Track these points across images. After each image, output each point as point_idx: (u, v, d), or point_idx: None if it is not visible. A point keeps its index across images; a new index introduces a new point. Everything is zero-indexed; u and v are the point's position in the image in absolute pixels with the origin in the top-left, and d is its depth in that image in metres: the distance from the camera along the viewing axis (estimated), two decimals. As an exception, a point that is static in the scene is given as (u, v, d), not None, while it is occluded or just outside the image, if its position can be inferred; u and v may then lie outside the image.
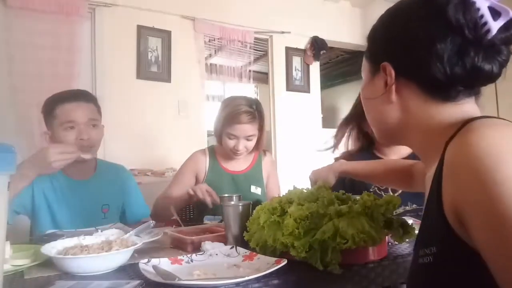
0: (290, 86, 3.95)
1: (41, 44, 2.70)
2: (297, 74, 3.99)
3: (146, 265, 0.86)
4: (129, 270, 0.91)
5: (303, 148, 3.89)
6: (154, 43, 3.19)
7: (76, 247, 0.95)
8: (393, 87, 0.67)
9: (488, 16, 0.59)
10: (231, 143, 1.68)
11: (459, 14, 0.59)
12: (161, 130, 3.16)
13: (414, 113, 0.67)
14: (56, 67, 2.73)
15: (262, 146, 1.82)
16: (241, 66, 4.07)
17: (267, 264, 0.86)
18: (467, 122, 0.59)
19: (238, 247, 0.98)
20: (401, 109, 0.68)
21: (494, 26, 0.59)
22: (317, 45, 3.93)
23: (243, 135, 1.67)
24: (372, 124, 0.77)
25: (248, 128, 1.66)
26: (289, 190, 1.06)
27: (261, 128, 1.74)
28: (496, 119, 0.58)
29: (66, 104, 1.47)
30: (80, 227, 1.38)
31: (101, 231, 1.11)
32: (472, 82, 0.64)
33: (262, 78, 5.02)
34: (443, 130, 0.62)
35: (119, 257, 0.92)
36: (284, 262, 0.84)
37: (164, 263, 0.89)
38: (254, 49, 3.86)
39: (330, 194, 0.96)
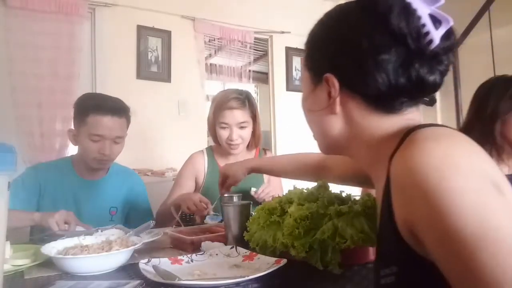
0: (290, 86, 3.95)
1: (41, 44, 2.69)
2: (297, 74, 3.99)
3: (146, 265, 0.86)
4: (129, 270, 0.91)
5: (303, 148, 3.88)
6: (154, 43, 3.19)
7: (76, 247, 0.95)
8: (338, 99, 0.64)
9: (430, 25, 0.57)
10: (224, 133, 1.67)
11: (402, 23, 0.58)
12: (161, 130, 3.16)
13: (358, 125, 0.65)
14: (56, 67, 2.73)
15: (259, 140, 1.79)
16: (241, 66, 4.06)
17: (267, 264, 0.86)
18: (408, 133, 0.57)
19: (238, 247, 0.98)
20: (345, 121, 0.66)
21: (436, 36, 0.57)
22: (317, 45, 3.93)
23: (235, 122, 1.65)
24: (315, 135, 0.75)
25: (239, 114, 1.65)
26: (289, 190, 1.06)
27: (254, 118, 1.72)
28: (437, 128, 0.56)
29: (100, 116, 1.45)
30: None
31: (101, 231, 1.11)
32: (417, 93, 0.63)
33: (262, 78, 5.01)
34: (386, 141, 0.61)
35: (119, 257, 0.92)
36: (284, 262, 0.84)
37: (164, 263, 0.89)
38: (254, 49, 3.86)
39: (330, 194, 0.96)
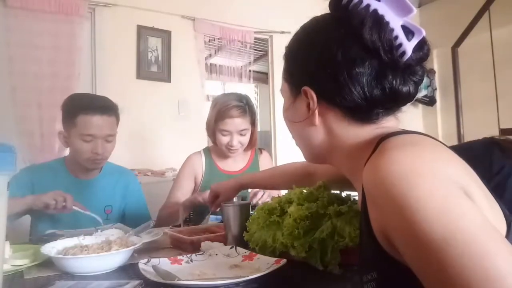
0: (290, 86, 3.95)
1: (41, 44, 2.69)
2: (297, 74, 3.98)
3: (146, 265, 0.86)
4: (129, 270, 0.91)
5: (303, 148, 3.89)
6: (154, 43, 3.19)
7: (76, 247, 0.95)
8: (316, 111, 0.66)
9: (402, 37, 0.59)
10: (224, 139, 1.69)
11: (375, 36, 0.59)
12: (161, 130, 3.16)
13: (337, 135, 0.67)
14: (56, 67, 2.73)
15: (255, 142, 1.83)
16: (241, 66, 4.07)
17: (267, 264, 0.86)
18: (381, 141, 0.58)
19: (238, 247, 0.98)
20: (325, 132, 0.68)
21: (409, 47, 0.59)
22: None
23: (236, 130, 1.68)
24: (298, 145, 0.77)
25: (240, 122, 1.67)
26: (289, 190, 1.06)
27: (253, 123, 1.75)
28: (406, 136, 0.58)
29: (89, 116, 1.45)
30: (83, 227, 1.38)
31: (101, 231, 1.11)
32: (391, 104, 0.64)
33: (262, 78, 5.02)
34: (362, 151, 0.62)
35: (119, 257, 0.92)
36: (284, 262, 0.84)
37: (164, 263, 0.89)
38: (254, 49, 3.86)
39: (330, 194, 0.96)
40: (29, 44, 2.65)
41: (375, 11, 0.60)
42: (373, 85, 0.61)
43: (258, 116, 1.83)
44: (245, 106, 1.69)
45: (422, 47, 0.61)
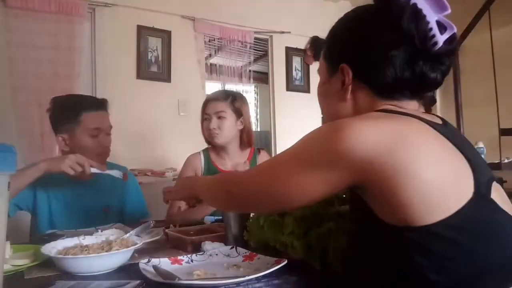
0: (290, 86, 3.95)
1: (41, 44, 2.69)
2: (297, 74, 3.99)
3: (146, 265, 0.86)
4: (129, 270, 0.91)
5: (303, 148, 3.88)
6: (154, 43, 3.19)
7: (76, 247, 0.95)
8: (349, 87, 0.74)
9: (436, 30, 0.66)
10: (206, 124, 1.75)
11: (412, 25, 0.67)
12: (161, 130, 3.16)
13: (361, 111, 0.73)
14: (56, 67, 2.73)
15: (250, 138, 1.83)
16: (241, 66, 4.07)
17: (267, 264, 0.86)
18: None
19: (238, 247, 0.98)
20: (353, 107, 0.76)
21: (441, 39, 0.67)
22: (317, 45, 3.93)
23: (213, 111, 1.72)
24: (326, 119, 0.84)
25: (218, 105, 1.73)
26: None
27: (237, 113, 1.76)
28: (376, 114, 0.68)
29: (92, 112, 1.52)
30: (81, 226, 1.38)
31: (101, 231, 1.11)
32: (419, 88, 0.72)
33: (262, 78, 5.01)
34: None
35: (119, 257, 0.92)
36: (284, 262, 0.84)
37: (164, 263, 0.89)
38: (254, 49, 3.85)
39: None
40: (29, 44, 2.65)
41: (415, 4, 0.67)
42: (405, 68, 0.69)
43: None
44: (228, 95, 1.76)
45: (452, 41, 0.69)
